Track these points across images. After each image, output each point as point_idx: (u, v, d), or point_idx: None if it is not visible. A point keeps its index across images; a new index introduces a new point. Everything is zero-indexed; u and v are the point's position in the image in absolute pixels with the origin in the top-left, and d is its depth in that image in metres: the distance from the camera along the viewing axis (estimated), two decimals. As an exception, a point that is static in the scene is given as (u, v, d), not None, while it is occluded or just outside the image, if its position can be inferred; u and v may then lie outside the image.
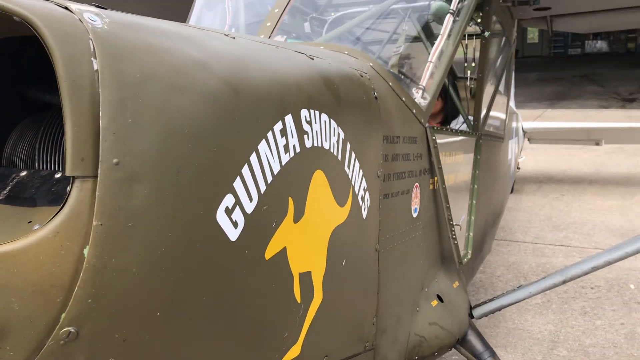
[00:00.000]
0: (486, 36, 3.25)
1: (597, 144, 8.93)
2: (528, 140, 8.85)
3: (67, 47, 0.84)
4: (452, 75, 4.18)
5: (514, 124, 6.13)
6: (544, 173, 9.49)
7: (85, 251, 0.86)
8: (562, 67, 26.07)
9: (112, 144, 0.87)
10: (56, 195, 0.96)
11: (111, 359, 0.92)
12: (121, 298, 0.91)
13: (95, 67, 0.87)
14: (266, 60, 1.32)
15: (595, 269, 2.69)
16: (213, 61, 1.10)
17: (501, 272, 5.15)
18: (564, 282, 2.74)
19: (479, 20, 3.33)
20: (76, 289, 0.86)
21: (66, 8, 0.90)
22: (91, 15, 0.90)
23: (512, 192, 7.45)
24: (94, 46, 0.87)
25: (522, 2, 3.64)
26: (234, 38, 1.29)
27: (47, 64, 0.87)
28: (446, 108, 3.73)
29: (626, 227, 6.26)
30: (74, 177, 0.86)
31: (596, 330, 3.96)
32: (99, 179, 0.86)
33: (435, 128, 2.42)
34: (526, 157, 9.07)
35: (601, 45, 31.44)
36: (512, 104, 6.29)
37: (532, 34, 31.69)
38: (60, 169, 1.06)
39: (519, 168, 7.78)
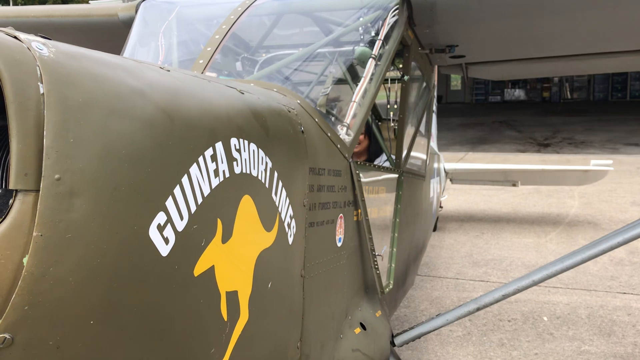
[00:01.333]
0: (406, 80, 3.47)
1: (514, 185, 9.38)
2: (450, 180, 9.20)
3: (15, 72, 0.91)
4: (377, 117, 4.40)
5: (435, 164, 6.37)
6: (465, 212, 9.83)
7: (25, 260, 0.90)
8: (483, 113, 27.21)
9: (54, 161, 0.93)
10: None
11: None
12: (57, 305, 0.95)
13: (42, 91, 0.94)
14: (199, 92, 1.41)
15: (505, 296, 2.88)
16: (150, 90, 1.18)
17: (425, 307, 5.31)
18: (478, 309, 2.92)
19: (400, 66, 3.56)
20: (14, 296, 0.89)
21: (15, 37, 0.97)
22: (38, 44, 0.98)
23: (435, 230, 7.69)
24: (40, 72, 0.94)
25: (439, 50, 3.88)
26: (168, 71, 1.38)
27: None
28: (371, 147, 3.93)
29: (540, 262, 6.56)
30: (16, 191, 0.91)
31: (512, 361, 4.15)
32: (40, 192, 0.92)
33: (359, 163, 2.57)
34: (448, 197, 9.43)
35: (519, 93, 32.98)
36: (434, 145, 6.58)
37: (456, 81, 33.00)
38: (1, 186, 1.11)
39: (441, 207, 8.06)
